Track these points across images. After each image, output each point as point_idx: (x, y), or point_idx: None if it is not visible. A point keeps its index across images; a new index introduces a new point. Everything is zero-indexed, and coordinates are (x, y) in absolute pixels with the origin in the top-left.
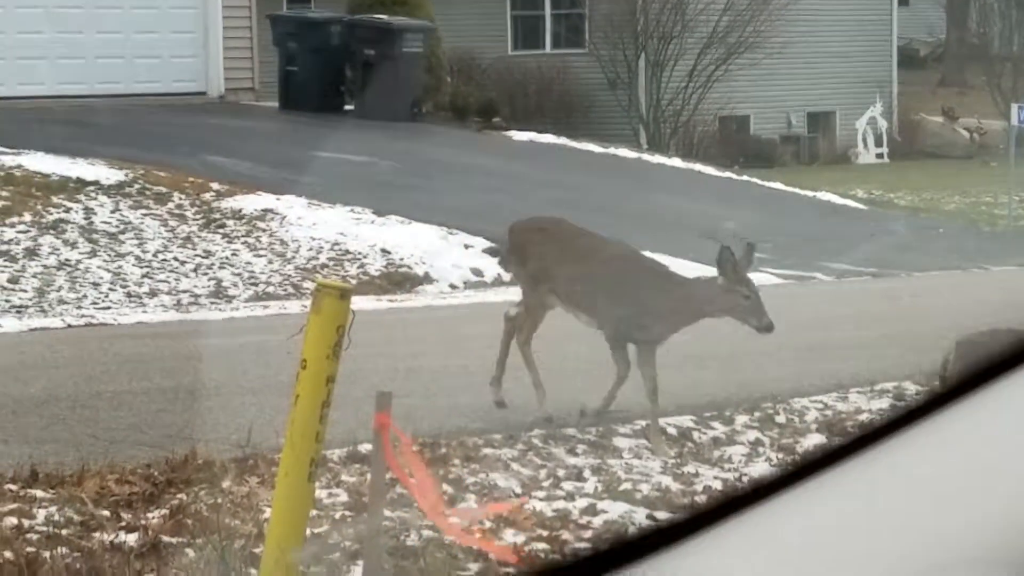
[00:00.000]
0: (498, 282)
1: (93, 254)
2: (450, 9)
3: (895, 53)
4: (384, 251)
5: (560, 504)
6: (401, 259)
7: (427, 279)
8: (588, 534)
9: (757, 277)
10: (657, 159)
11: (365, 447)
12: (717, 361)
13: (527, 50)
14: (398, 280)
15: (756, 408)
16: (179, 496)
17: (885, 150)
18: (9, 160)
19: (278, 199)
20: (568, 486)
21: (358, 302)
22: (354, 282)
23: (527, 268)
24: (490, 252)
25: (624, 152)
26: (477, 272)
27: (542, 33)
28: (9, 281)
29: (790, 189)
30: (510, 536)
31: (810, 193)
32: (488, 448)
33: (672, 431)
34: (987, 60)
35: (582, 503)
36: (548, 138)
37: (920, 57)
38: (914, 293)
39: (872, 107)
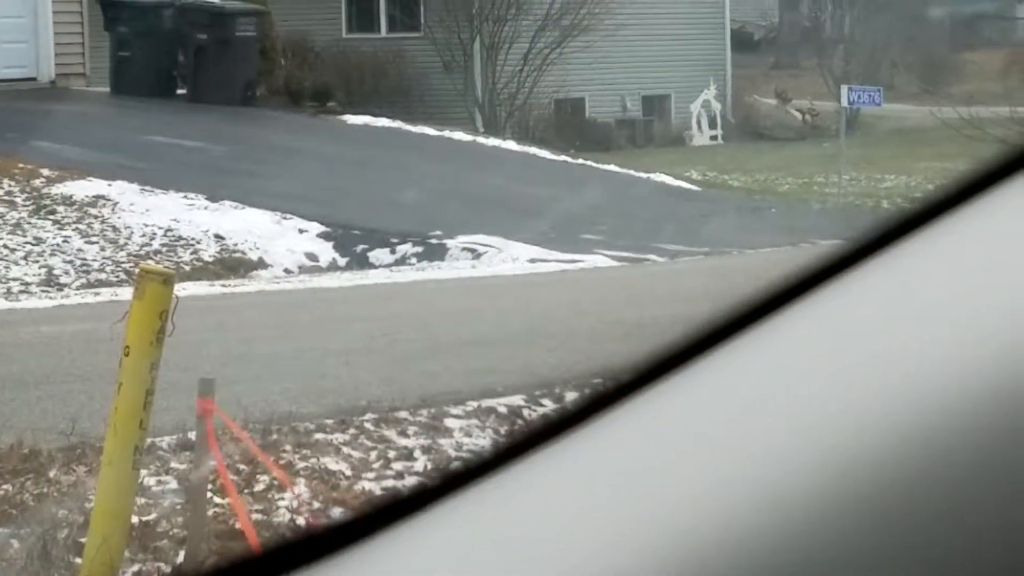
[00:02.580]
0: (333, 266)
1: None
2: None
3: (728, 36)
4: (218, 236)
5: (389, 483)
6: (235, 244)
7: (261, 264)
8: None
9: (591, 259)
10: (492, 142)
11: (193, 435)
12: (549, 339)
13: (362, 33)
14: (232, 265)
15: (586, 385)
16: (4, 487)
17: (719, 132)
18: None
19: (110, 185)
20: (398, 466)
21: (190, 288)
22: (187, 268)
23: None
24: (324, 236)
25: (459, 135)
26: (312, 257)
27: (376, 16)
28: None
29: (625, 171)
30: (339, 514)
31: (644, 175)
32: (320, 433)
33: (503, 410)
34: (819, 43)
35: (411, 481)
36: (383, 122)
37: (753, 40)
38: (743, 270)
39: (706, 90)
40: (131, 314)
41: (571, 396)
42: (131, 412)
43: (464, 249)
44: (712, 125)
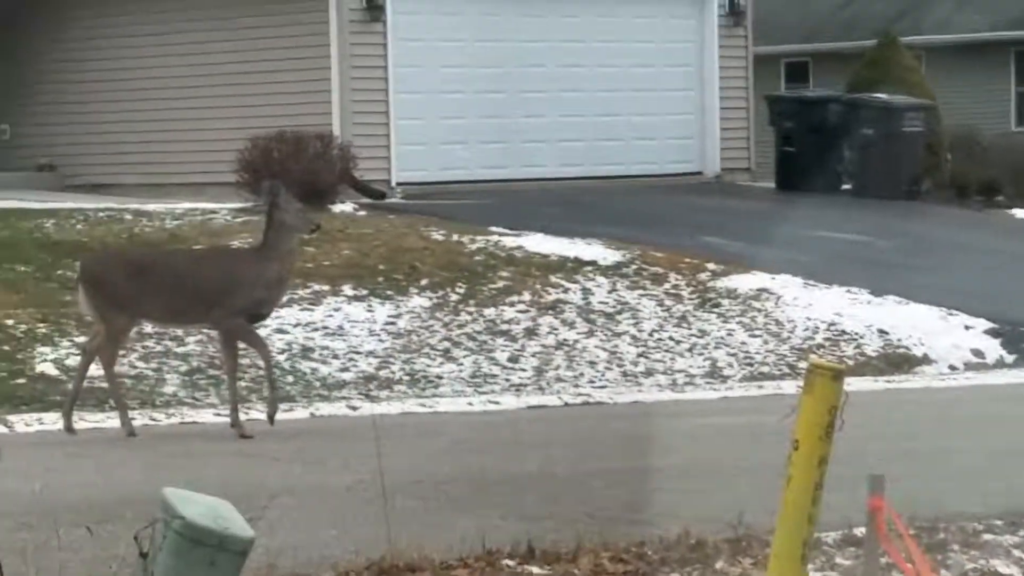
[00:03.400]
0: (1000, 364)
1: (590, 334)
2: (950, 86)
3: None
4: (881, 331)
5: None
6: (898, 340)
7: (925, 360)
8: None
9: None
10: None
11: (860, 530)
12: None
13: None
14: (895, 361)
15: None
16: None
17: None
18: (510, 241)
19: (773, 279)
20: None
21: (854, 383)
22: (850, 362)
23: None
24: (991, 333)
25: None
26: (978, 353)
27: None
28: (509, 360)
29: None
30: None
31: None
32: (988, 534)
33: None
34: None
35: None
36: None
37: None
38: None
39: None
40: (801, 408)
41: None
42: (800, 506)
43: None
44: None
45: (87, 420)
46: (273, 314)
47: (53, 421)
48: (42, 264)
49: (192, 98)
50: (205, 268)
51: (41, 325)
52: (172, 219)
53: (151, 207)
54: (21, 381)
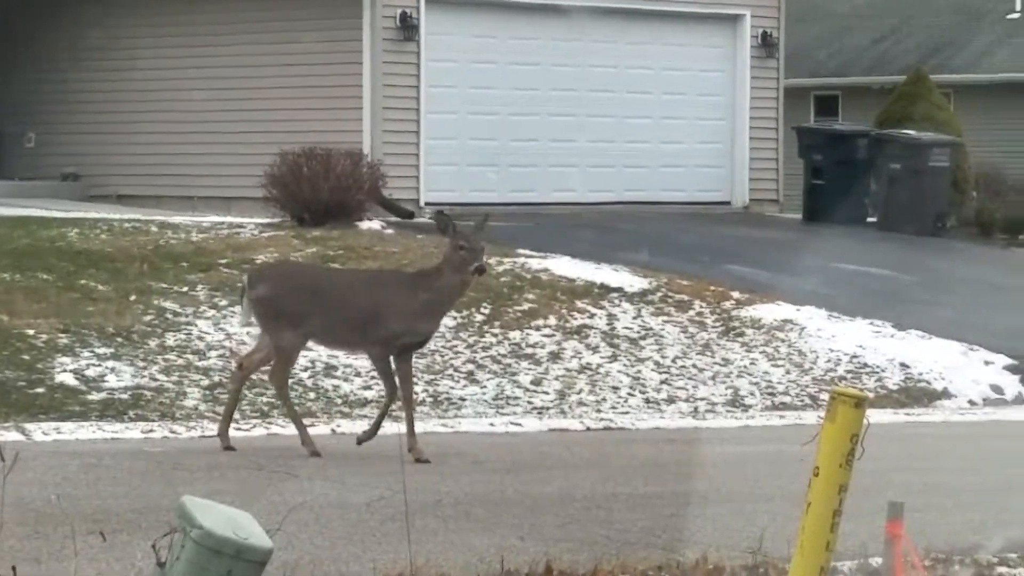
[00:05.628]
0: (1018, 400)
1: (614, 359)
2: (978, 125)
3: None
4: (903, 365)
5: None
6: (919, 373)
7: (945, 395)
8: None
9: None
10: None
11: (876, 561)
12: None
13: None
14: (916, 395)
15: None
16: None
17: None
18: (536, 264)
19: (798, 310)
20: None
21: (875, 415)
22: (871, 395)
23: None
24: (1011, 369)
25: None
26: (997, 389)
27: None
28: (532, 383)
29: None
30: None
31: None
32: (1003, 567)
33: None
34: None
35: None
36: None
37: None
38: None
39: None
40: (822, 435)
41: None
42: (818, 533)
43: None
44: None
45: (105, 430)
46: None
47: (71, 431)
48: (64, 273)
49: (221, 111)
50: (360, 292)
51: (62, 335)
52: (198, 232)
53: (177, 219)
54: (40, 390)
